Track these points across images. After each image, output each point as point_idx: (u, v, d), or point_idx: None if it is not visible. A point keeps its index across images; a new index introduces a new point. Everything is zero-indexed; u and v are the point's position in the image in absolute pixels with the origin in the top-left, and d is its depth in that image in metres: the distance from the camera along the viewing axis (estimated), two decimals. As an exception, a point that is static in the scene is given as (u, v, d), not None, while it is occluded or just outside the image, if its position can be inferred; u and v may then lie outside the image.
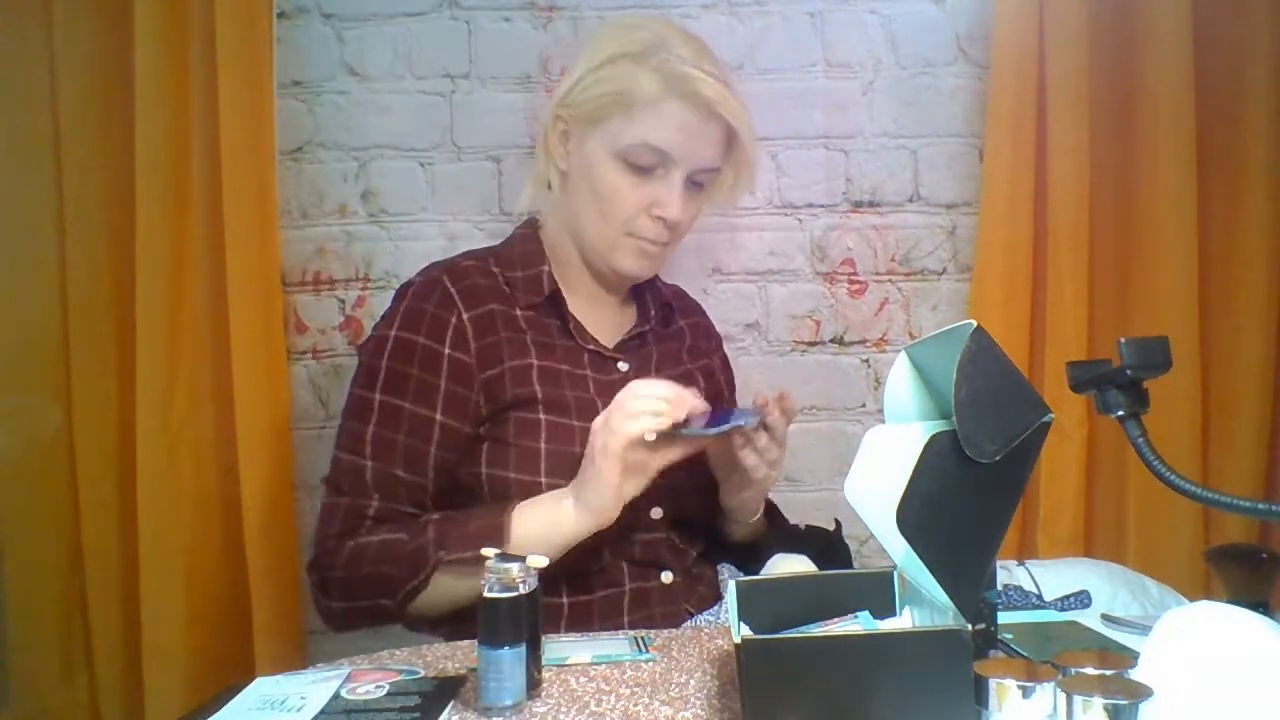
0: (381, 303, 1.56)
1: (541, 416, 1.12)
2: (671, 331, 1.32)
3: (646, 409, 1.02)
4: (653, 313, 1.28)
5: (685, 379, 1.27)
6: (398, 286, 1.20)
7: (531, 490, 1.09)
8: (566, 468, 1.08)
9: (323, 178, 1.60)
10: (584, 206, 1.18)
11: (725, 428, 1.06)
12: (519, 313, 1.17)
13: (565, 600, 1.12)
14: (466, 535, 1.04)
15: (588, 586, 1.13)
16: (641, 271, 1.22)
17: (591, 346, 1.20)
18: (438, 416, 1.11)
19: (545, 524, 1.05)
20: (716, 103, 1.13)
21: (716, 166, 1.19)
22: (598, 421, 1.05)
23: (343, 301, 1.62)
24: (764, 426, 1.12)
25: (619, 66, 1.13)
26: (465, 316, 1.13)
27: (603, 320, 1.25)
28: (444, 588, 1.06)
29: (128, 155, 1.42)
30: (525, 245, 1.23)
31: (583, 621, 1.12)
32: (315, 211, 1.61)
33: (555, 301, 1.19)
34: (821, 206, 1.64)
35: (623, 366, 1.22)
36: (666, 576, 1.17)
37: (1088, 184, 1.51)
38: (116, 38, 1.43)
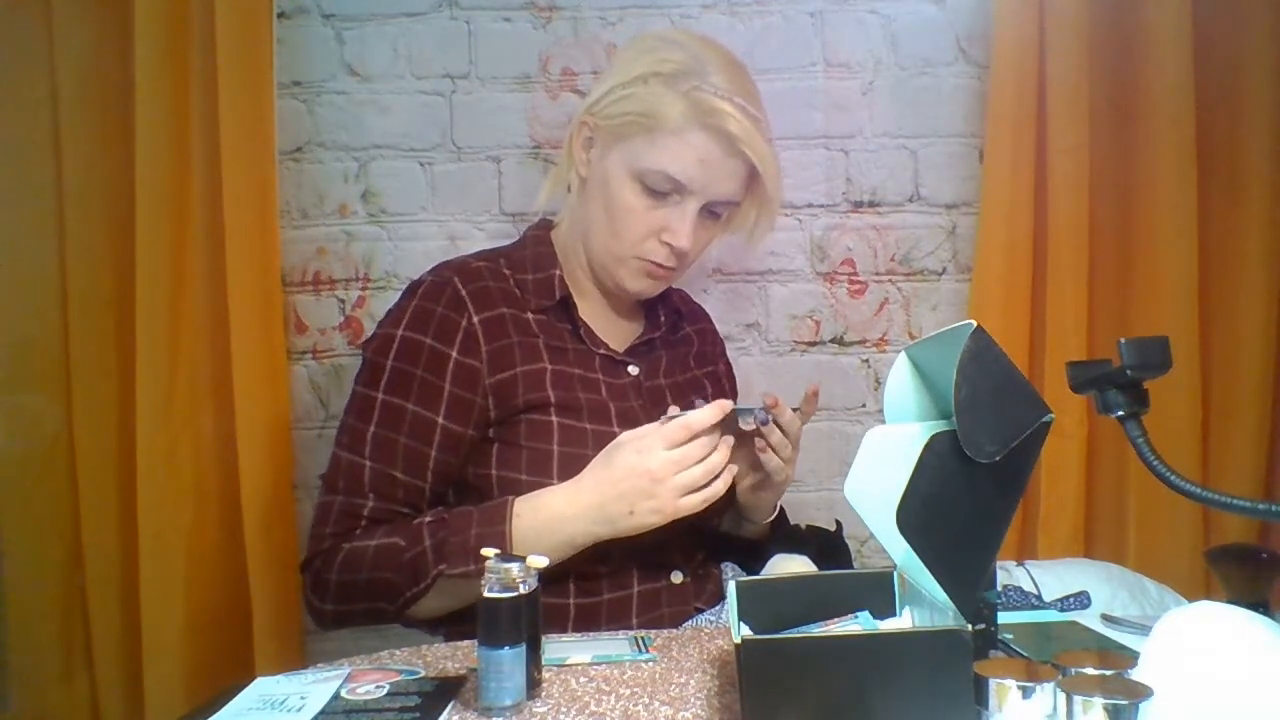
0: (381, 302, 1.56)
1: (554, 419, 1.12)
2: (679, 337, 1.32)
3: (695, 481, 1.03)
4: (662, 319, 1.28)
5: (693, 385, 1.28)
6: (403, 286, 1.19)
7: None
8: (578, 470, 1.08)
9: (323, 178, 1.60)
10: (597, 218, 1.17)
11: (740, 406, 1.07)
12: (530, 316, 1.17)
13: (572, 601, 1.12)
14: (466, 545, 1.03)
15: (595, 589, 1.13)
16: (644, 291, 1.22)
17: (603, 351, 1.20)
18: (440, 419, 1.10)
19: (548, 531, 1.05)
20: (741, 140, 1.11)
21: (735, 200, 1.19)
22: (636, 461, 1.02)
23: (343, 301, 1.62)
24: (777, 425, 1.12)
25: (650, 86, 1.12)
26: (476, 319, 1.13)
27: (612, 325, 1.25)
28: (446, 593, 1.05)
29: (128, 155, 1.42)
30: (537, 247, 1.23)
31: (590, 622, 1.12)
32: (315, 211, 1.61)
33: (566, 306, 1.19)
34: (821, 206, 1.64)
35: (633, 370, 1.21)
36: (676, 577, 1.17)
37: (1088, 184, 1.51)
38: (116, 38, 1.43)
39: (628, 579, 1.14)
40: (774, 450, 1.13)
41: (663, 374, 1.25)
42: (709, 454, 1.04)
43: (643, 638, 1.00)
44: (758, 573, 1.13)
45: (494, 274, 1.18)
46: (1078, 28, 1.48)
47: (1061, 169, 1.50)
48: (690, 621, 1.15)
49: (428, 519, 1.07)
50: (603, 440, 1.09)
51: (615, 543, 1.07)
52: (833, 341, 1.65)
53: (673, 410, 1.09)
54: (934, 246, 1.64)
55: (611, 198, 1.15)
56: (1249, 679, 0.65)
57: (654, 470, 1.01)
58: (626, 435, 1.06)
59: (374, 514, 1.10)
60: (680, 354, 1.30)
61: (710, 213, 1.18)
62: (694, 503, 1.03)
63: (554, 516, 1.05)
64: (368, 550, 1.07)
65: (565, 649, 0.95)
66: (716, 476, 1.05)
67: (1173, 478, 0.76)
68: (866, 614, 0.85)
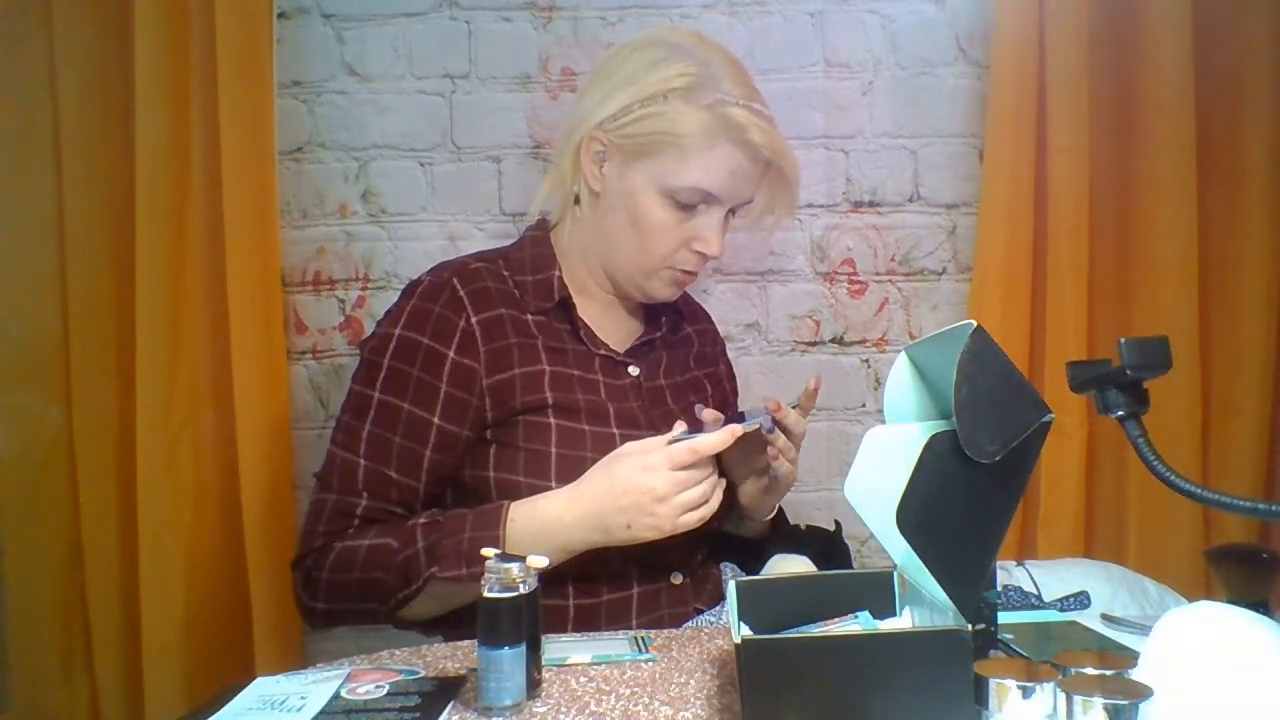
0: (381, 303, 1.56)
1: (552, 421, 1.12)
2: (680, 337, 1.32)
3: (696, 501, 1.03)
4: (663, 320, 1.28)
5: (693, 386, 1.28)
6: (405, 284, 1.19)
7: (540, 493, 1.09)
8: (577, 471, 1.08)
9: (323, 178, 1.60)
10: (622, 234, 1.17)
11: (747, 425, 1.07)
12: (529, 318, 1.17)
13: (571, 603, 1.12)
14: (460, 549, 1.02)
15: (595, 590, 1.13)
16: (672, 297, 1.23)
17: (602, 351, 1.20)
18: (435, 419, 1.10)
19: (543, 537, 1.04)
20: (766, 147, 1.13)
21: (752, 198, 1.20)
22: (640, 479, 1.02)
23: (343, 301, 1.62)
24: (781, 428, 1.12)
25: (670, 104, 1.11)
26: (474, 320, 1.12)
27: (612, 325, 1.24)
28: (436, 596, 1.05)
29: (128, 155, 1.42)
30: (536, 248, 1.22)
31: (590, 623, 1.12)
32: (315, 211, 1.61)
33: (565, 307, 1.19)
34: (821, 206, 1.64)
35: (633, 371, 1.21)
36: (676, 578, 1.17)
37: (1088, 184, 1.51)
38: (116, 38, 1.43)
39: (627, 580, 1.14)
40: (781, 454, 1.13)
41: (663, 374, 1.25)
42: (709, 473, 1.05)
43: (643, 638, 0.99)
44: (757, 573, 1.13)
45: (493, 275, 1.18)
46: (1078, 28, 1.48)
47: (1061, 169, 1.50)
48: (690, 622, 1.15)
49: (422, 520, 1.07)
50: (601, 441, 1.09)
51: (614, 547, 1.07)
52: (833, 341, 1.66)
53: (679, 426, 1.09)
54: (934, 246, 1.64)
55: (641, 215, 1.15)
56: (1249, 679, 0.65)
57: (658, 490, 1.01)
58: (630, 447, 1.05)
59: (368, 513, 1.10)
60: (680, 354, 1.30)
61: (729, 211, 1.19)
62: (692, 520, 1.04)
63: (550, 522, 1.05)
64: (360, 550, 1.07)
65: (565, 649, 0.95)
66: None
67: (1173, 478, 0.76)
68: (866, 614, 0.85)
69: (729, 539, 1.29)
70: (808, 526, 1.31)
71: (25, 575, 1.47)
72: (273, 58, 1.50)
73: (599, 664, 0.91)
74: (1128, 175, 1.53)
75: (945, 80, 1.62)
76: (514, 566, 0.80)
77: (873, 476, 0.84)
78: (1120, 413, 0.81)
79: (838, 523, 1.31)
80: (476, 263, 1.20)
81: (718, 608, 1.17)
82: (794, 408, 1.14)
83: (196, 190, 1.47)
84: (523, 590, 0.80)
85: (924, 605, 0.80)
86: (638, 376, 1.21)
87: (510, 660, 0.78)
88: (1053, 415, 0.75)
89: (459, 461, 1.13)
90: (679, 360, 1.29)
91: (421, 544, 1.04)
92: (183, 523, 1.45)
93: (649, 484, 1.01)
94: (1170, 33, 1.47)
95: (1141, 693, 0.63)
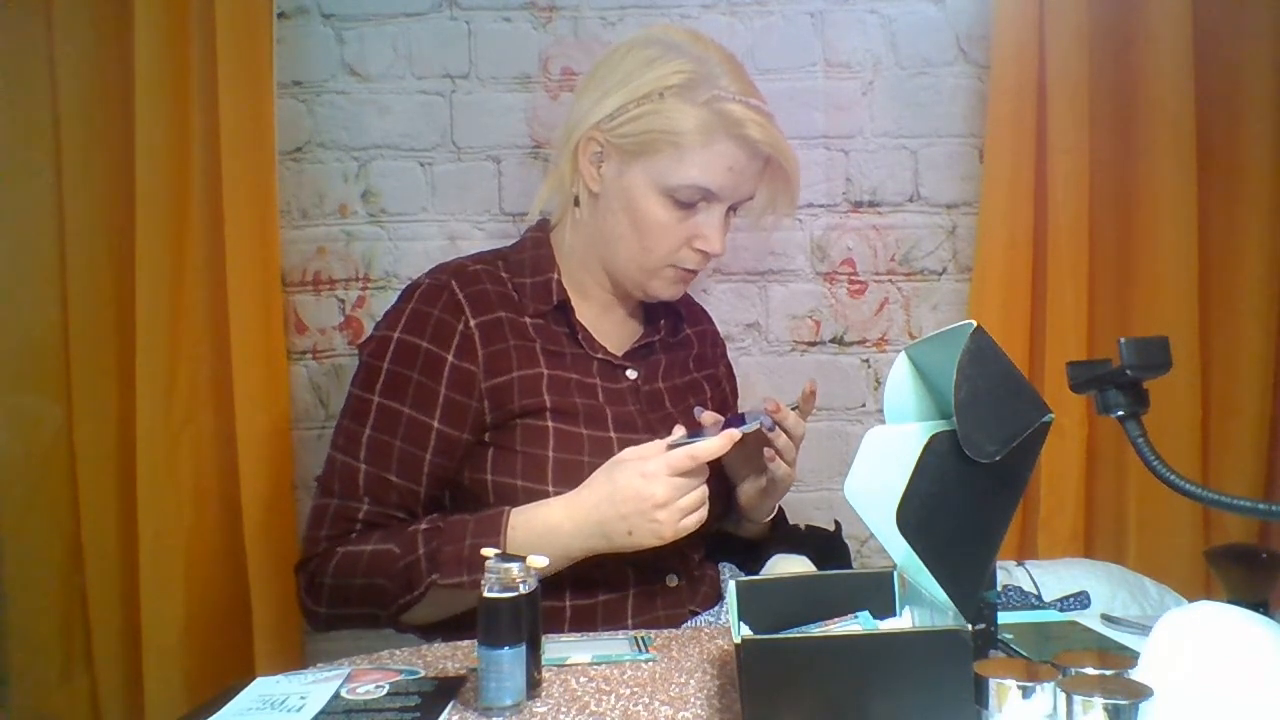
0: (381, 303, 1.56)
1: (550, 424, 1.11)
2: (679, 340, 1.31)
3: (695, 504, 1.03)
4: (662, 322, 1.28)
5: (692, 388, 1.27)
6: (404, 286, 1.19)
7: (538, 498, 1.08)
8: (574, 475, 1.08)
9: (323, 178, 1.60)
10: (622, 235, 1.16)
11: (746, 428, 1.07)
12: (528, 321, 1.16)
13: (568, 603, 1.12)
14: (460, 556, 1.02)
15: (591, 590, 1.13)
16: (675, 296, 1.22)
17: (600, 355, 1.19)
18: (435, 424, 1.10)
19: (544, 544, 1.03)
20: (764, 143, 1.13)
21: (753, 195, 1.20)
22: (640, 485, 1.01)
23: (343, 301, 1.62)
24: (781, 429, 1.12)
25: (666, 102, 1.11)
26: (473, 323, 1.12)
27: (611, 328, 1.24)
28: (437, 603, 1.05)
29: (128, 155, 1.42)
30: (536, 250, 1.22)
31: (586, 624, 1.11)
32: (315, 211, 1.61)
33: (563, 310, 1.19)
34: (821, 206, 1.64)
35: (631, 374, 1.21)
36: (671, 580, 1.17)
37: (1088, 184, 1.51)
38: (116, 37, 1.43)
39: (623, 582, 1.14)
40: (780, 455, 1.13)
41: (661, 377, 1.25)
42: (705, 477, 1.05)
43: (643, 638, 0.99)
44: (757, 573, 1.13)
45: (491, 277, 1.18)
46: (1078, 28, 1.48)
47: (1061, 169, 1.50)
48: (690, 622, 1.14)
49: (423, 526, 1.07)
50: (599, 445, 1.09)
51: (616, 551, 1.07)
52: (833, 341, 1.66)
53: (678, 430, 1.08)
54: (934, 246, 1.64)
55: (640, 215, 1.14)
56: (1249, 679, 0.65)
57: (658, 497, 1.01)
58: (629, 453, 1.05)
59: (369, 517, 1.10)
60: (680, 357, 1.30)
61: (730, 209, 1.19)
62: (691, 524, 1.04)
63: (551, 530, 1.05)
64: (362, 555, 1.07)
65: (565, 649, 0.95)
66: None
67: (1173, 478, 0.76)
68: (866, 614, 0.85)
69: (728, 539, 1.29)
70: (808, 526, 1.31)
71: (25, 575, 1.47)
72: (273, 58, 1.50)
73: (599, 664, 0.91)
74: (1128, 175, 1.53)
75: (945, 80, 1.62)
76: (514, 566, 0.81)
77: (873, 476, 0.84)
78: (1120, 413, 0.81)
79: (838, 523, 1.31)
80: (475, 265, 1.19)
81: (716, 608, 1.17)
82: (793, 409, 1.14)
83: (196, 190, 1.47)
84: (523, 590, 0.80)
85: (924, 605, 0.80)
86: (636, 380, 1.21)
87: (510, 660, 0.78)
88: (1053, 415, 0.75)
89: (459, 464, 1.13)
90: (678, 362, 1.29)
91: (422, 550, 1.04)
92: (183, 523, 1.45)
93: (649, 491, 1.01)
94: (1170, 33, 1.47)
95: (1141, 693, 0.63)
